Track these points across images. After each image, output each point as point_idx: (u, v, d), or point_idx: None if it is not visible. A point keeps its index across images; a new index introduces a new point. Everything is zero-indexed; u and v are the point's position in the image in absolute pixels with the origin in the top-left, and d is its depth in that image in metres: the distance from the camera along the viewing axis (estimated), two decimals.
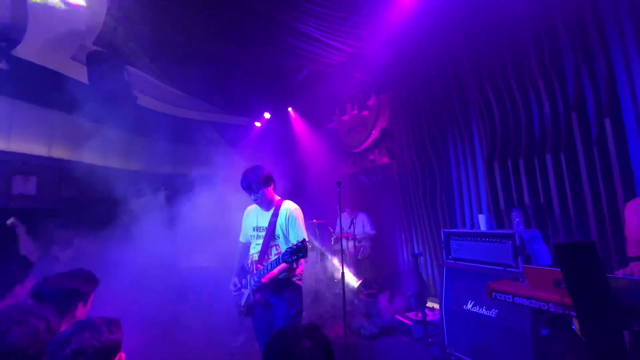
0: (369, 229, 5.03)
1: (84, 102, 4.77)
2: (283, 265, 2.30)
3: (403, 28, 4.47)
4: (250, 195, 2.52)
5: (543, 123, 3.27)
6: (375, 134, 5.52)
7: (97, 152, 5.96)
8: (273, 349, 1.05)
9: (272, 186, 2.57)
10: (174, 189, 4.86)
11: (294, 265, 2.43)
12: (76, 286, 1.60)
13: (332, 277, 5.07)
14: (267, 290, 2.45)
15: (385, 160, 5.42)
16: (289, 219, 2.48)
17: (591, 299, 1.14)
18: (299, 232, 2.45)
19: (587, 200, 2.90)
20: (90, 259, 3.12)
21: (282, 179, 2.72)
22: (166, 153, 6.07)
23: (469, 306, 2.90)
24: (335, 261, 5.06)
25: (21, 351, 1.17)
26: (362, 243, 5.00)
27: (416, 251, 4.75)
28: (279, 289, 2.44)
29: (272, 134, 7.09)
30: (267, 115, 7.30)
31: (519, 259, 2.55)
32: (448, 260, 3.15)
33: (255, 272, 2.45)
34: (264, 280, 2.37)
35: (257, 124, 7.51)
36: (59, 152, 5.55)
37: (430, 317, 3.57)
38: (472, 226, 3.99)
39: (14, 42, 4.61)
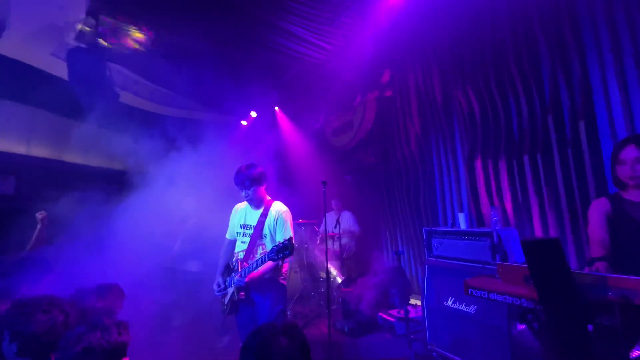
0: (355, 228, 5.07)
1: (64, 99, 4.65)
2: (269, 263, 2.31)
3: (389, 29, 4.53)
4: (242, 191, 2.52)
5: (521, 125, 3.37)
6: (361, 134, 5.57)
7: (78, 150, 5.83)
8: (250, 345, 1.06)
9: (264, 185, 2.57)
10: (158, 189, 4.79)
11: (280, 264, 2.45)
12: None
13: (318, 276, 5.09)
14: (252, 288, 2.45)
15: (371, 160, 5.47)
16: (277, 220, 2.49)
17: (556, 293, 1.20)
18: (286, 233, 2.46)
19: (562, 199, 3.01)
20: (71, 258, 3.06)
21: (268, 179, 2.72)
22: (149, 151, 5.96)
23: (450, 303, 2.97)
24: (322, 260, 5.09)
25: (37, 337, 1.32)
26: (347, 242, 5.04)
27: (399, 249, 4.82)
28: (264, 287, 2.45)
29: (258, 132, 7.06)
30: (253, 114, 7.26)
31: (497, 256, 2.63)
32: (430, 258, 3.21)
33: (240, 269, 2.45)
34: (248, 278, 2.36)
35: (244, 122, 7.46)
36: (38, 151, 5.39)
37: (412, 314, 3.63)
38: (453, 225, 4.09)
39: None
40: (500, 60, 3.48)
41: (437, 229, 3.20)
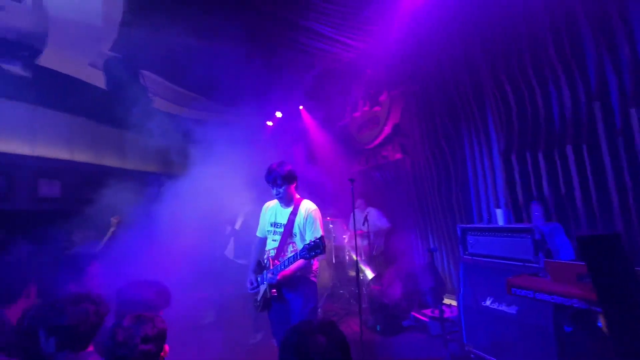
0: (383, 223, 4.98)
1: (102, 106, 4.91)
2: (300, 261, 2.34)
3: (414, 21, 4.40)
4: (273, 189, 2.54)
5: (563, 113, 3.16)
6: (387, 130, 5.47)
7: (116, 154, 6.16)
8: (288, 344, 1.07)
9: (295, 184, 2.59)
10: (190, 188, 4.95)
11: (311, 262, 2.45)
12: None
13: (347, 274, 5.06)
14: (284, 286, 2.48)
15: (398, 156, 5.36)
16: (307, 218, 2.50)
17: (618, 293, 1.10)
18: (316, 232, 2.47)
19: (612, 192, 2.79)
20: (116, 256, 3.24)
21: (298, 177, 2.74)
22: (181, 154, 6.18)
23: (488, 303, 2.85)
24: (352, 258, 5.06)
25: (73, 328, 1.37)
26: (376, 239, 4.97)
27: (431, 247, 4.69)
28: (295, 285, 2.47)
29: (283, 132, 7.12)
30: (278, 114, 7.33)
31: (540, 253, 2.48)
32: (465, 256, 3.09)
33: (271, 267, 2.49)
34: (280, 276, 2.39)
35: (269, 123, 7.54)
36: (80, 156, 5.74)
37: (447, 313, 3.52)
38: (489, 221, 3.92)
39: (36, 52, 4.80)
40: (538, 45, 3.27)
41: (473, 225, 3.08)
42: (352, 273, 4.97)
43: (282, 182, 2.48)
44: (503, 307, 2.72)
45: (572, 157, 3.06)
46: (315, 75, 6.07)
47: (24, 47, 4.75)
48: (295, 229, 2.53)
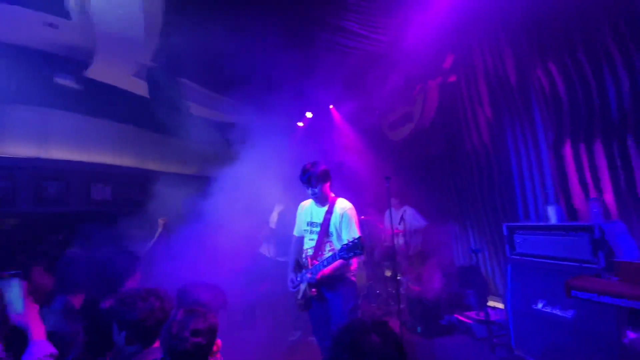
0: (420, 222, 4.84)
1: (145, 114, 5.19)
2: (339, 261, 2.33)
3: (449, 8, 4.21)
4: (308, 189, 2.56)
5: (621, 102, 2.88)
6: (422, 125, 5.30)
7: (158, 158, 6.51)
8: (341, 343, 1.06)
9: (329, 183, 2.60)
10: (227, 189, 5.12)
11: (349, 262, 2.44)
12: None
13: (383, 274, 4.98)
14: (323, 285, 2.49)
15: (435, 152, 5.18)
16: (343, 217, 2.49)
17: None
18: (352, 231, 2.46)
19: None
20: (164, 256, 3.43)
21: (332, 176, 2.73)
22: (217, 156, 6.41)
23: (540, 306, 2.68)
24: (389, 257, 4.97)
25: (141, 322, 1.46)
26: (413, 238, 4.84)
27: (473, 246, 4.49)
28: (334, 284, 2.48)
29: (314, 132, 7.14)
30: (309, 114, 7.35)
31: (600, 253, 2.28)
32: (513, 256, 2.92)
33: (310, 267, 2.51)
34: (319, 276, 2.41)
35: (300, 124, 7.59)
36: (127, 161, 6.14)
37: (493, 316, 3.35)
38: (536, 219, 3.67)
39: (85, 65, 5.18)
40: (591, 29, 3.01)
41: (521, 224, 2.90)
42: (389, 273, 4.88)
43: (316, 181, 2.50)
44: (557, 311, 2.54)
45: (634, 148, 2.78)
46: (345, 74, 6.02)
47: (74, 61, 5.15)
48: (332, 228, 2.54)
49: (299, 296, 2.60)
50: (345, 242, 2.25)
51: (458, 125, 4.74)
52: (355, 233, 2.43)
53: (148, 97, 5.08)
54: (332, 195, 2.64)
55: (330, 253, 2.43)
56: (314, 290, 2.49)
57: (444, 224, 4.99)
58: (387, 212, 4.06)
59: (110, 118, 5.83)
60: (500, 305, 3.85)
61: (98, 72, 5.32)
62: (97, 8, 4.20)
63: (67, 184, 5.64)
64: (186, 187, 5.08)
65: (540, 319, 2.65)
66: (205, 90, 6.10)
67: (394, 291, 4.13)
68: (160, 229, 3.36)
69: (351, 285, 2.52)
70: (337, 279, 2.47)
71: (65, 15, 4.34)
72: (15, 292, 1.30)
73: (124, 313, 1.47)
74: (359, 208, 2.69)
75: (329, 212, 2.55)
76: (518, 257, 2.88)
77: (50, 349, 1.30)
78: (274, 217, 4.46)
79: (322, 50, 5.17)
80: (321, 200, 2.59)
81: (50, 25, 4.49)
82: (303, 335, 3.80)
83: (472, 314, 3.58)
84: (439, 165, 5.19)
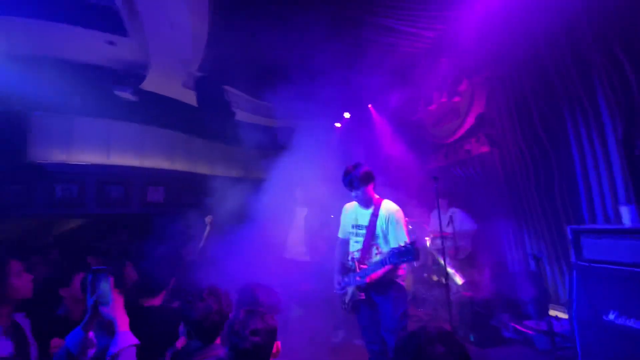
0: (470, 225, 4.59)
1: (194, 121, 5.50)
2: (389, 266, 2.29)
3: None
4: (351, 192, 2.53)
5: None
6: (470, 121, 5.03)
7: (206, 163, 6.87)
8: (406, 350, 1.06)
9: (372, 185, 2.55)
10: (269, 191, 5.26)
11: (398, 266, 2.38)
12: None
13: (430, 278, 4.80)
14: (372, 289, 2.46)
15: (485, 149, 4.89)
16: (389, 220, 2.45)
17: None
18: (400, 234, 2.40)
19: None
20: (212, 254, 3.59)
21: (375, 177, 2.68)
22: (261, 160, 6.62)
23: (612, 317, 2.42)
24: (435, 260, 4.79)
25: (198, 323, 1.51)
26: (462, 241, 4.60)
27: (530, 250, 4.17)
28: (384, 289, 2.43)
29: (353, 133, 7.08)
30: (346, 115, 7.29)
31: None
32: (579, 262, 2.66)
33: (358, 270, 2.47)
34: (368, 279, 2.37)
35: (337, 124, 7.55)
36: (178, 165, 6.56)
37: (556, 327, 3.09)
38: (605, 221, 3.32)
39: (141, 78, 5.61)
40: None
41: (589, 227, 2.65)
42: (435, 277, 4.70)
43: (359, 184, 2.47)
44: (632, 323, 2.28)
45: None
46: (384, 71, 5.89)
47: (131, 75, 5.60)
48: (378, 231, 2.49)
49: (347, 299, 2.57)
50: (395, 245, 2.19)
51: (510, 120, 4.43)
52: (404, 237, 2.37)
53: (196, 105, 5.38)
54: (377, 196, 2.59)
55: (378, 257, 2.39)
56: (362, 294, 2.46)
57: (496, 227, 4.69)
58: (435, 214, 3.93)
59: (163, 126, 6.29)
60: (563, 315, 3.54)
61: (152, 84, 5.74)
62: (151, 26, 4.52)
63: (127, 187, 6.15)
64: (232, 189, 5.30)
65: (611, 331, 2.39)
66: (249, 96, 6.34)
67: (442, 296, 3.97)
68: (208, 228, 3.50)
69: (401, 290, 2.48)
70: (386, 284, 2.43)
71: (123, 32, 4.73)
72: (105, 286, 1.40)
73: (185, 311, 1.57)
74: (403, 209, 2.62)
75: (374, 215, 2.51)
76: (586, 263, 2.62)
77: (133, 340, 1.40)
78: (299, 222, 4.46)
79: (360, 49, 5.11)
80: (365, 202, 2.57)
81: (110, 42, 4.92)
82: (347, 336, 3.78)
83: (531, 323, 3.33)
84: (490, 163, 4.88)
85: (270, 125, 6.97)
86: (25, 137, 5.22)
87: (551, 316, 3.49)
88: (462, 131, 5.21)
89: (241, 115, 6.36)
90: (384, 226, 2.46)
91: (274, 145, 6.78)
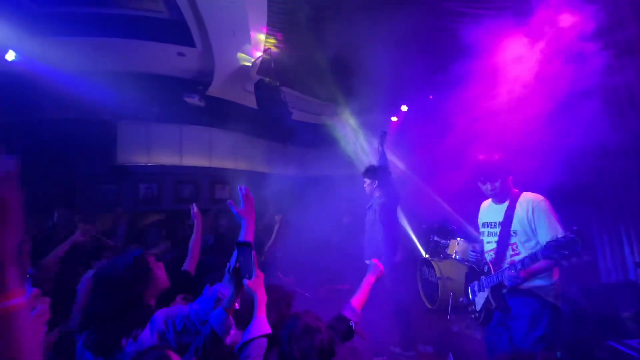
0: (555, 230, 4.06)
1: (255, 123, 5.72)
2: (542, 264, 1.88)
3: None
4: (485, 184, 2.21)
5: None
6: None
7: (264, 162, 7.17)
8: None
9: (510, 177, 2.20)
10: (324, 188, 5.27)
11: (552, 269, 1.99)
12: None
13: None
14: (510, 297, 2.09)
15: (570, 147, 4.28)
16: (534, 212, 2.03)
17: None
18: (552, 226, 1.95)
19: None
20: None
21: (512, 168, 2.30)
22: (315, 157, 6.70)
23: None
24: None
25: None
26: None
27: (630, 257, 3.57)
28: (525, 299, 2.03)
29: (414, 126, 6.74)
30: (404, 108, 6.96)
31: None
32: None
33: (493, 272, 2.15)
34: (523, 274, 1.96)
35: (394, 118, 7.24)
36: (241, 164, 6.97)
37: None
38: None
39: (207, 85, 6.01)
40: None
41: None
42: None
43: (494, 176, 2.12)
44: None
45: None
46: (445, 60, 5.47)
47: (199, 82, 6.03)
48: (515, 226, 2.09)
49: (478, 307, 2.27)
50: (548, 239, 1.76)
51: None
52: (558, 229, 1.91)
53: (255, 107, 5.60)
54: (515, 190, 2.21)
55: (532, 252, 1.94)
56: (498, 302, 2.09)
57: (585, 229, 4.09)
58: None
59: (228, 128, 6.70)
60: None
61: (216, 89, 6.12)
62: (216, 36, 4.81)
63: (197, 186, 6.70)
64: (289, 186, 5.44)
65: None
66: (305, 96, 6.42)
67: None
68: (277, 226, 3.59)
69: (547, 307, 2.00)
70: (529, 293, 2.02)
71: (191, 43, 5.10)
72: (247, 259, 1.36)
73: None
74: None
75: (510, 208, 2.12)
76: None
77: (267, 329, 1.33)
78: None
79: (432, 39, 4.80)
80: (500, 196, 2.20)
81: (180, 54, 5.35)
82: (436, 352, 3.44)
83: (635, 342, 2.84)
84: (582, 163, 4.25)
85: (324, 123, 7.00)
86: (115, 143, 5.95)
87: None
88: (536, 123, 4.63)
89: (298, 115, 6.47)
90: (526, 220, 2.04)
91: (331, 143, 6.80)
